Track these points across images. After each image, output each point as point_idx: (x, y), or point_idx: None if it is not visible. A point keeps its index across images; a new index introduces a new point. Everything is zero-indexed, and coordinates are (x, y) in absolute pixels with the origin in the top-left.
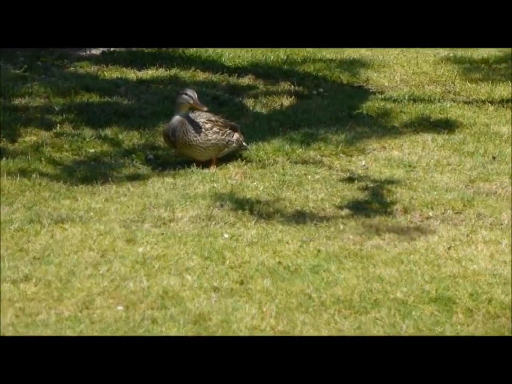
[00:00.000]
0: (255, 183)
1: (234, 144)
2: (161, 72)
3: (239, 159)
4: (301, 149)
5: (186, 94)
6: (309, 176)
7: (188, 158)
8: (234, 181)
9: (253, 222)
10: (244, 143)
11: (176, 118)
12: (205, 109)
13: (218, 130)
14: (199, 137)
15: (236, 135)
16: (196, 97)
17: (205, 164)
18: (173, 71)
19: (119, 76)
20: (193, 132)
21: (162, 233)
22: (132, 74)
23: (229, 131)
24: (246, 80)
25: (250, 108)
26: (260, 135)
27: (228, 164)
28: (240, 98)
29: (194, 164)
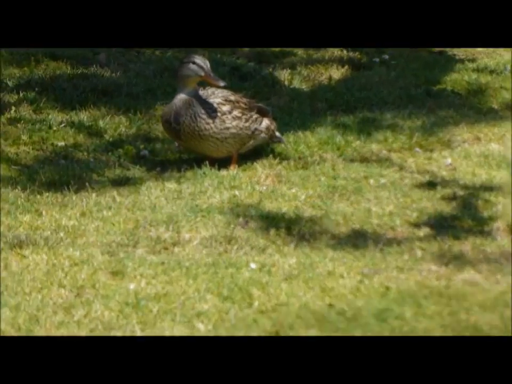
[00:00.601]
0: (293, 190)
1: (263, 135)
2: None
3: (271, 155)
4: (358, 141)
5: (194, 63)
6: (371, 180)
7: (198, 154)
8: (264, 188)
9: (292, 246)
10: (277, 133)
11: (181, 98)
12: (221, 84)
13: (240, 114)
14: (213, 125)
15: (266, 122)
16: (208, 67)
17: (222, 163)
18: None
19: None
20: (204, 117)
21: (163, 263)
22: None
23: (255, 116)
24: None
25: (286, 82)
26: (300, 122)
27: (255, 163)
28: (271, 69)
29: (206, 162)
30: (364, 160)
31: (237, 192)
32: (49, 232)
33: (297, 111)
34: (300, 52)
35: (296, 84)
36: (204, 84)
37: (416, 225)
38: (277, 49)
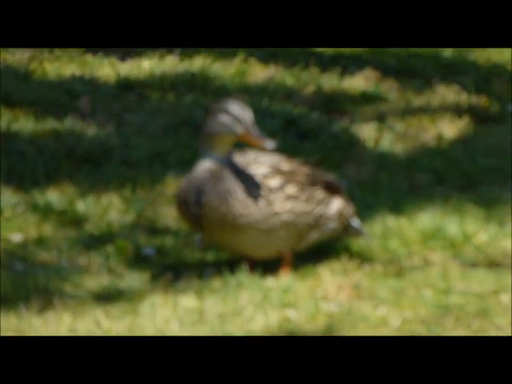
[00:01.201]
0: (381, 311)
1: (332, 224)
2: (171, 63)
3: (345, 255)
4: (484, 235)
5: (228, 114)
6: (503, 296)
7: (231, 252)
8: (335, 306)
9: None
10: (355, 221)
11: (205, 167)
12: (270, 145)
13: (297, 193)
14: (254, 209)
15: (337, 204)
16: (250, 120)
17: (269, 266)
18: (198, 62)
19: (77, 73)
20: (241, 196)
21: None
22: (106, 67)
23: (321, 195)
24: (359, 82)
25: (370, 142)
26: (392, 204)
27: (320, 267)
28: (348, 122)
29: (245, 263)
30: (492, 264)
31: (291, 313)
32: None
33: (388, 187)
34: (392, 95)
35: (386, 144)
36: (242, 145)
37: None
38: (358, 89)
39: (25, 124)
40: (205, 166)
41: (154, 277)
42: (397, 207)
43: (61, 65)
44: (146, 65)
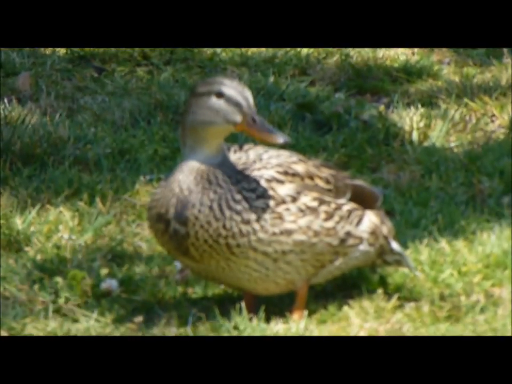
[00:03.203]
0: None
1: (363, 246)
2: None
3: (382, 288)
4: None
5: (221, 96)
6: None
7: (225, 284)
8: None
9: None
10: (394, 245)
11: (190, 168)
12: (280, 139)
13: (315, 203)
14: (257, 225)
15: (370, 219)
16: (251, 104)
17: (274, 303)
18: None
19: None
20: (239, 207)
21: None
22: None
23: (347, 206)
24: (399, 51)
25: (414, 134)
26: (445, 220)
27: (346, 305)
28: (382, 107)
29: (240, 303)
30: None
31: None
32: None
33: (439, 197)
34: (445, 69)
35: (437, 137)
36: (239, 137)
37: None
38: (397, 64)
39: None
40: (189, 167)
41: (119, 320)
42: (452, 224)
43: None
44: None
